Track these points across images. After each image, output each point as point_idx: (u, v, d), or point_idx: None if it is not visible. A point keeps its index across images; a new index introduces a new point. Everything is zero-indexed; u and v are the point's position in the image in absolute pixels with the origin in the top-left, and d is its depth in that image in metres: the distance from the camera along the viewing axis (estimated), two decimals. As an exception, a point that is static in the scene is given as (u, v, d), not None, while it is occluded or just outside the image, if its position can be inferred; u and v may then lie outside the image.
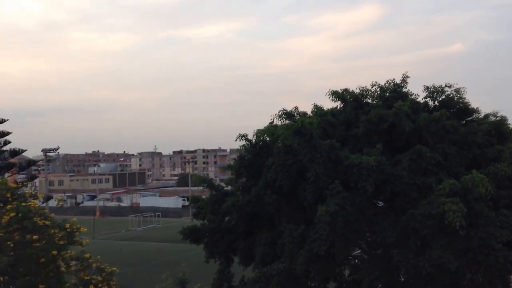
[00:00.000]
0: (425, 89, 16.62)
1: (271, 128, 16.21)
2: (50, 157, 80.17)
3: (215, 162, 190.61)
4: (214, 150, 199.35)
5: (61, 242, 16.21)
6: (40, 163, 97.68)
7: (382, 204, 15.51)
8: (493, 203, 13.29)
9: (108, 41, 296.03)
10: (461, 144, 14.95)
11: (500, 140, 15.53)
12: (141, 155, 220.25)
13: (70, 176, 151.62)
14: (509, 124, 16.12)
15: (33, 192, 17.83)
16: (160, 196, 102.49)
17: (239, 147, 17.64)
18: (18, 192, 16.90)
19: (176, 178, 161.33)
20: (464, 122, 16.24)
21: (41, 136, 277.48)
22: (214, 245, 17.78)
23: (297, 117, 16.67)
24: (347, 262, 15.96)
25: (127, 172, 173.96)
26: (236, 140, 16.91)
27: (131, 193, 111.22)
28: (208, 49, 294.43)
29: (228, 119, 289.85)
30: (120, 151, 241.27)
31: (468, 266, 13.29)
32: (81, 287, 16.74)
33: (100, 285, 16.87)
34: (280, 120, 16.87)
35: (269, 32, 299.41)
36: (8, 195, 16.27)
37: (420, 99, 16.79)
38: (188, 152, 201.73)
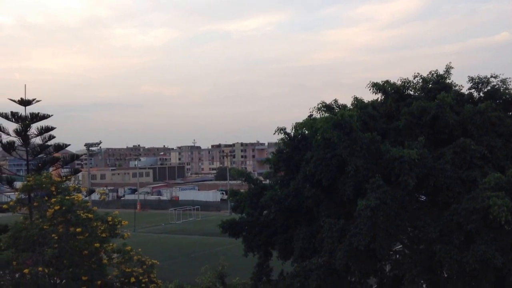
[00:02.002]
0: (469, 80, 16.08)
1: (310, 121, 16.05)
2: (92, 152, 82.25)
3: (253, 156, 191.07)
4: (252, 144, 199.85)
5: (103, 235, 16.57)
6: (83, 157, 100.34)
7: (424, 198, 15.13)
8: (542, 197, 12.70)
9: (149, 37, 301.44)
10: (507, 136, 14.40)
11: (549, 132, 14.87)
12: (180, 149, 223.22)
13: (112, 170, 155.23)
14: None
15: (76, 186, 18.30)
16: (199, 190, 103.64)
17: (278, 141, 17.56)
18: (62, 186, 17.37)
19: (214, 172, 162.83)
20: (510, 113, 15.62)
21: (84, 131, 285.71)
22: (253, 239, 17.81)
23: (337, 110, 16.43)
24: (388, 257, 15.67)
25: (167, 166, 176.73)
26: (274, 133, 16.89)
27: (170, 187, 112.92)
28: (247, 42, 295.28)
29: (267, 113, 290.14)
30: (160, 145, 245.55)
31: (515, 262, 12.81)
32: (122, 279, 17.09)
33: (141, 277, 17.17)
34: (319, 113, 16.67)
35: (308, 24, 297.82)
36: (53, 188, 16.75)
37: (464, 90, 16.29)
38: (226, 146, 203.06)
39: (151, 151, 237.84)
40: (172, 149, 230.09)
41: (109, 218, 17.14)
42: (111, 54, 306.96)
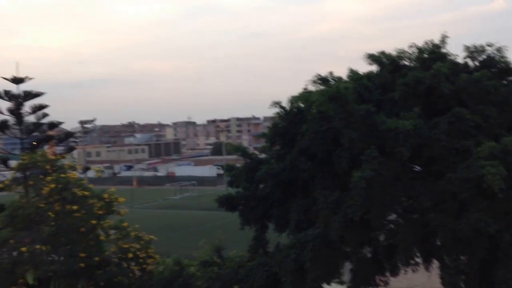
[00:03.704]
0: (465, 49, 15.94)
1: (306, 94, 15.97)
2: (87, 129, 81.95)
3: (249, 131, 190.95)
4: (247, 119, 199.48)
5: (100, 212, 16.64)
6: (77, 135, 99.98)
7: (419, 168, 15.21)
8: (535, 165, 12.80)
9: (142, 12, 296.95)
10: (502, 105, 14.38)
11: (543, 100, 14.87)
12: (175, 125, 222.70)
13: (107, 147, 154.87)
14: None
15: (72, 164, 18.28)
16: (195, 165, 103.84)
17: (273, 115, 17.51)
18: (57, 164, 17.35)
19: (210, 147, 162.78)
20: (505, 82, 15.56)
21: (78, 108, 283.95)
22: (249, 213, 17.93)
23: (332, 82, 16.33)
24: (383, 227, 15.83)
25: (162, 142, 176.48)
26: (269, 107, 16.80)
27: (166, 163, 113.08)
28: (242, 15, 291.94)
29: (263, 87, 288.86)
30: (155, 121, 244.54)
31: (507, 229, 13.03)
32: (120, 255, 17.22)
33: (138, 252, 17.34)
34: (315, 85, 16.57)
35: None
36: (48, 167, 16.73)
37: (460, 59, 16.15)
38: (222, 121, 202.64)
39: (146, 128, 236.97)
40: (167, 125, 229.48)
41: (106, 195, 17.17)
42: (104, 30, 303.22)
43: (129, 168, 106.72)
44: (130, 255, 17.36)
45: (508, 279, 12.92)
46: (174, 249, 30.16)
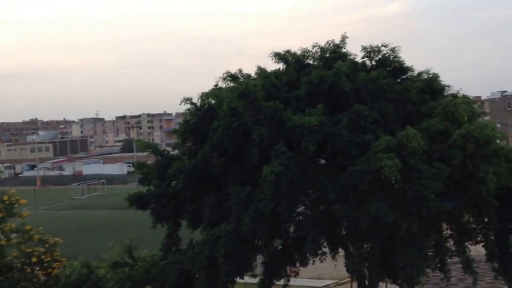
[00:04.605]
0: (362, 49, 16.96)
1: (216, 91, 16.15)
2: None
3: (161, 127, 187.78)
4: (159, 115, 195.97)
5: (0, 215, 15.74)
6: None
7: (324, 162, 15.97)
8: (426, 156, 13.93)
9: (49, 6, 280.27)
10: (396, 101, 15.45)
11: (432, 96, 16.16)
12: (82, 121, 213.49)
13: (8, 145, 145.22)
14: (441, 81, 16.76)
15: (-33, 165, 17.08)
16: (104, 163, 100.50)
17: (184, 111, 17.49)
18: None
19: (120, 144, 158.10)
20: (399, 80, 16.73)
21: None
22: (161, 210, 17.79)
23: (242, 79, 16.66)
24: (292, 219, 16.46)
25: (68, 139, 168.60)
26: (180, 104, 16.76)
27: (73, 161, 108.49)
28: (153, 10, 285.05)
29: (175, 83, 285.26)
30: (60, 118, 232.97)
31: (404, 217, 14.04)
32: (23, 259, 16.45)
33: (43, 256, 16.66)
34: (225, 82, 16.81)
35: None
36: None
37: (359, 59, 17.15)
38: (132, 117, 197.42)
39: (50, 125, 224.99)
40: (73, 121, 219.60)
41: (5, 197, 16.29)
42: (5, 23, 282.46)
43: (32, 167, 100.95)
44: (34, 259, 16.63)
45: (406, 265, 13.85)
46: (82, 251, 29.13)
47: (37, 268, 16.91)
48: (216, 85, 17.09)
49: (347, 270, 14.88)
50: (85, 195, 68.88)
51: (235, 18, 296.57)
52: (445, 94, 16.78)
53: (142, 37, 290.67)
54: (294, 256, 18.25)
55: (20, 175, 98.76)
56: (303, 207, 17.27)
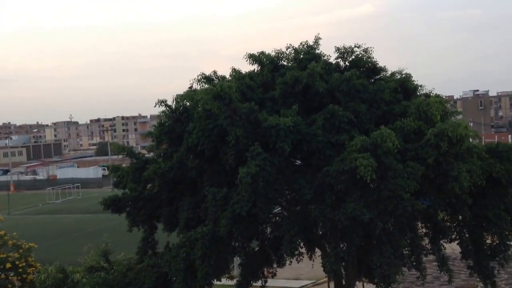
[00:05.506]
0: (336, 50, 17.07)
1: (191, 93, 16.06)
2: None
3: (136, 129, 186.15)
4: (134, 117, 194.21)
5: (-29, 222, 15.37)
6: None
7: (299, 162, 16.02)
8: (401, 156, 14.07)
9: (15, 8, 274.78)
10: (370, 101, 15.59)
11: (405, 96, 16.39)
12: (56, 125, 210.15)
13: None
14: (414, 81, 16.99)
15: None
16: (78, 167, 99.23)
17: (159, 113, 17.35)
18: None
19: (94, 147, 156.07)
20: (372, 80, 16.88)
21: None
22: (137, 214, 17.63)
23: (216, 81, 16.61)
24: (269, 220, 16.48)
25: (42, 143, 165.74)
26: (155, 106, 16.61)
27: (47, 165, 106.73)
28: (125, 11, 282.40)
29: (149, 85, 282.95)
30: (33, 122, 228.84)
31: (379, 216, 14.15)
32: (-4, 266, 16.07)
33: (17, 262, 16.33)
34: (200, 84, 16.74)
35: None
36: None
37: (332, 60, 17.26)
38: (106, 120, 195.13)
39: (23, 129, 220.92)
40: (47, 125, 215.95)
41: (-24, 203, 15.88)
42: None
43: (6, 172, 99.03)
44: (9, 265, 16.30)
45: (382, 264, 13.97)
46: (58, 255, 28.64)
47: (12, 274, 16.59)
48: (190, 87, 17.01)
49: (324, 270, 14.93)
50: (59, 199, 67.78)
51: (209, 21, 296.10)
52: (418, 93, 17.03)
53: (115, 40, 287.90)
54: (271, 257, 18.28)
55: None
56: (280, 208, 17.30)
